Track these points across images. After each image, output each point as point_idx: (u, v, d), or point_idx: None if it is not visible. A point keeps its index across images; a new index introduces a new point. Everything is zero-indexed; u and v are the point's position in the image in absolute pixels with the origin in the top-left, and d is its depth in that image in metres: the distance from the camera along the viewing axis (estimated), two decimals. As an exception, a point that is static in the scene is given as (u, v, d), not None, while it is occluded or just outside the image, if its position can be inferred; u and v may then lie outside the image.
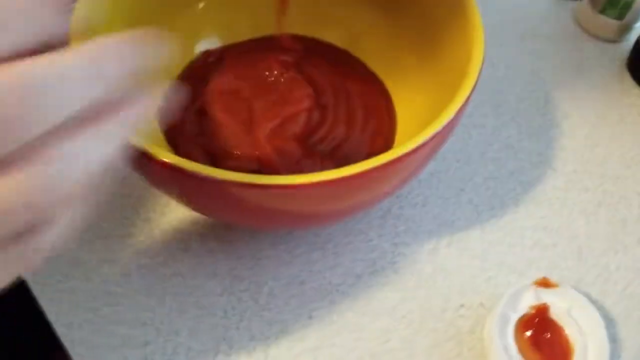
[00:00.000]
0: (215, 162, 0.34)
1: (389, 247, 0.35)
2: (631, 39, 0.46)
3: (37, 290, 0.32)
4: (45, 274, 0.33)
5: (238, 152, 0.34)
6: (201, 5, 0.38)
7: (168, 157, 0.25)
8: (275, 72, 0.37)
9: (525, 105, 0.43)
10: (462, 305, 0.33)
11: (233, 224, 0.35)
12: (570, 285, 0.33)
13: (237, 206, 0.27)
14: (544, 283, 0.33)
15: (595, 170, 0.40)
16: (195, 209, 0.32)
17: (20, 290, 0.33)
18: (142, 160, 0.26)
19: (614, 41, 0.47)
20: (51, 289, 0.32)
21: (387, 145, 0.36)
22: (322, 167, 0.33)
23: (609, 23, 0.46)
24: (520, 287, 0.32)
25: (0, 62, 0.14)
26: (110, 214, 0.35)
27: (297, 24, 0.40)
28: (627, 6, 0.44)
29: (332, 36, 0.40)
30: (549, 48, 0.47)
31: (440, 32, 0.35)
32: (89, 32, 0.30)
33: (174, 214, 0.36)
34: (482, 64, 0.30)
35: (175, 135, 0.35)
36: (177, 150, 0.35)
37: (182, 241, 0.35)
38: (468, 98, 0.28)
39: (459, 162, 0.40)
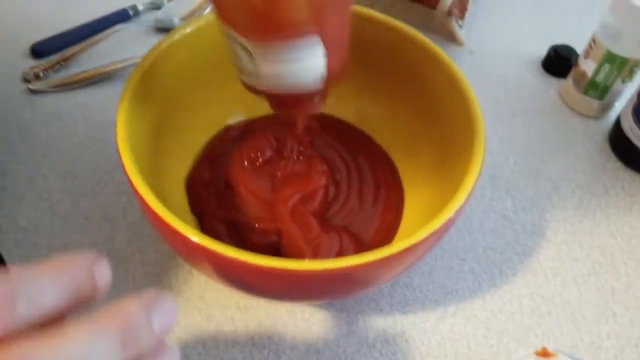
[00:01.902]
0: (239, 235, 0.36)
1: (399, 316, 0.38)
2: (612, 116, 0.51)
3: None
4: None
5: (261, 226, 0.36)
6: (221, 85, 0.41)
7: (197, 236, 0.27)
8: (294, 148, 0.39)
9: (518, 178, 0.47)
10: (468, 372, 0.36)
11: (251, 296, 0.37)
12: (566, 354, 0.36)
13: (257, 283, 0.29)
14: (544, 353, 0.36)
15: (584, 240, 0.43)
16: (218, 281, 0.34)
17: None
18: (172, 237, 0.28)
19: (596, 118, 0.51)
20: None
21: (397, 217, 0.39)
22: (340, 241, 0.36)
23: (591, 102, 0.50)
24: (522, 356, 0.35)
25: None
26: (133, 283, 0.37)
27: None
28: (606, 89, 0.48)
29: (343, 113, 0.44)
30: (538, 123, 0.51)
31: (444, 113, 0.38)
32: (133, 116, 0.32)
33: (196, 282, 0.38)
34: (481, 162, 0.33)
35: (201, 208, 0.38)
36: (202, 223, 0.37)
37: (204, 310, 0.37)
38: (470, 193, 0.31)
39: (461, 232, 0.43)
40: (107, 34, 0.50)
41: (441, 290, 0.39)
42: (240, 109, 0.42)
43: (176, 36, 0.36)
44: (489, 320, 0.38)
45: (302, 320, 0.37)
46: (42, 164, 0.43)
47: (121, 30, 0.51)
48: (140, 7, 0.54)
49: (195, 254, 0.29)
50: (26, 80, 0.47)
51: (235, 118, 0.42)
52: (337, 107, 0.43)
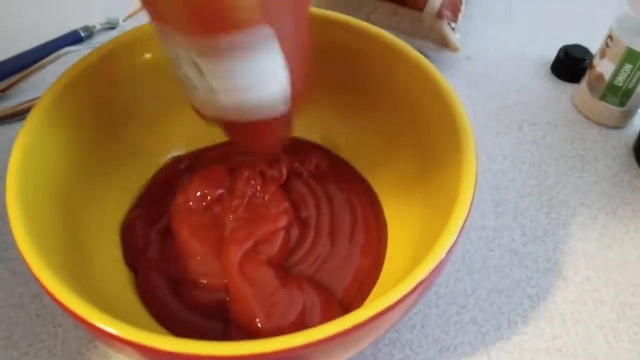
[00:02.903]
0: (178, 291, 0.30)
1: (382, 384, 0.31)
2: (636, 124, 0.43)
3: None
4: None
5: (204, 281, 0.30)
6: (165, 110, 0.35)
7: (111, 325, 0.20)
8: (249, 183, 0.33)
9: (527, 203, 0.39)
10: None
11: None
12: None
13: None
14: None
15: (611, 278, 0.36)
16: None
17: None
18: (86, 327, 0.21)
19: (617, 127, 0.44)
20: None
21: (377, 261, 0.32)
22: (303, 297, 0.29)
23: (610, 109, 0.43)
24: None
25: None
26: (62, 350, 0.31)
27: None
28: (629, 93, 0.41)
29: (310, 134, 0.37)
30: (550, 136, 0.43)
31: (430, 135, 0.31)
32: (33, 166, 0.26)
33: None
34: (476, 179, 0.26)
35: (136, 256, 0.32)
36: (136, 274, 0.31)
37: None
38: (458, 236, 0.24)
39: (459, 272, 0.35)
40: (53, 59, 0.44)
41: (436, 347, 0.32)
42: (185, 140, 0.36)
43: (87, 60, 0.30)
44: (495, 384, 0.31)
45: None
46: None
47: (71, 53, 0.45)
48: (96, 28, 0.49)
49: (107, 343, 0.22)
50: (-39, 115, 0.42)
51: (179, 151, 0.36)
52: (302, 128, 0.36)
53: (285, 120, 0.26)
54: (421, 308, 0.34)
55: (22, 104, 0.42)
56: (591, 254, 0.37)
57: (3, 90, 0.43)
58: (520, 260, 0.36)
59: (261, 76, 0.23)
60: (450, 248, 0.24)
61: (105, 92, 0.31)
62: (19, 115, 0.42)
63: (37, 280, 0.22)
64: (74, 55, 0.46)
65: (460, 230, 0.25)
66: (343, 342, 0.22)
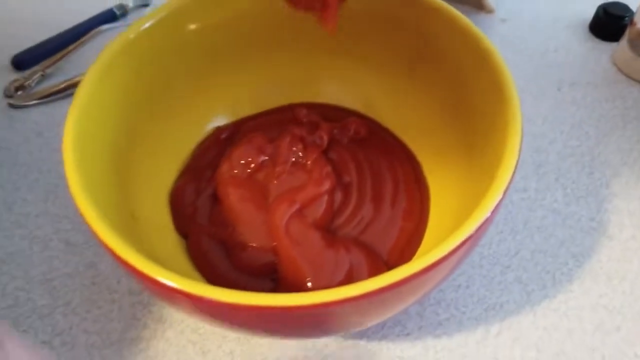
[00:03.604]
0: (228, 254, 0.31)
1: (430, 341, 0.31)
2: (680, 81, 0.42)
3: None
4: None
5: (253, 244, 0.30)
6: (208, 81, 0.35)
7: (169, 278, 0.21)
8: (292, 149, 0.33)
9: (569, 164, 0.39)
10: (520, 409, 0.29)
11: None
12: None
13: (251, 325, 0.23)
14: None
15: (658, 235, 0.35)
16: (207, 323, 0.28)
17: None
18: (142, 280, 0.22)
19: (660, 85, 0.43)
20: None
21: (420, 225, 0.32)
22: (349, 257, 0.30)
23: (653, 66, 0.42)
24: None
25: None
26: (119, 315, 0.32)
27: (309, 93, 0.37)
28: (673, 48, 0.40)
29: (353, 102, 0.37)
30: (589, 96, 0.43)
31: (473, 98, 0.31)
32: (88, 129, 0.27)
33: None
34: (519, 154, 0.26)
35: (185, 222, 0.32)
36: (187, 239, 0.32)
37: (199, 343, 0.31)
38: (504, 195, 0.24)
39: (502, 234, 0.36)
40: (90, 37, 0.45)
41: (481, 306, 0.33)
42: (227, 110, 0.37)
43: (130, 32, 0.31)
44: (541, 340, 0.31)
45: (314, 351, 0.31)
46: (21, 186, 0.38)
47: (107, 30, 0.46)
48: (130, 5, 0.49)
49: (163, 296, 0.23)
50: (7, 96, 0.43)
51: (221, 121, 0.37)
52: (343, 96, 0.37)
53: None
54: (465, 269, 0.34)
55: (65, 82, 0.43)
56: (636, 212, 0.36)
57: (46, 69, 0.44)
58: (564, 220, 0.36)
59: None
60: (495, 206, 0.24)
61: (151, 61, 0.32)
62: (61, 93, 0.43)
63: (101, 241, 0.23)
64: (110, 32, 0.47)
65: (506, 189, 0.25)
66: (390, 297, 0.22)
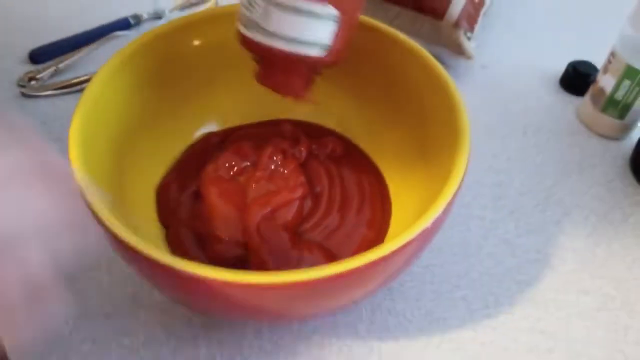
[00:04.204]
0: (203, 245, 0.34)
1: (377, 343, 0.34)
2: (633, 137, 0.46)
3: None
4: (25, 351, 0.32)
5: (226, 237, 0.34)
6: (205, 91, 0.39)
7: (143, 246, 0.25)
8: (273, 159, 0.37)
9: (525, 200, 0.43)
10: (449, 412, 0.32)
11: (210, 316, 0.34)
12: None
13: (214, 302, 0.27)
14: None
15: (596, 272, 0.39)
16: (173, 301, 0.31)
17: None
18: (118, 247, 0.26)
19: (616, 139, 0.47)
20: (28, 368, 0.32)
21: (380, 235, 0.36)
22: (312, 257, 0.33)
23: (610, 122, 0.46)
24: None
25: None
26: (95, 292, 0.35)
27: (297, 110, 0.41)
28: (627, 107, 0.44)
29: (326, 120, 0.41)
30: (552, 143, 0.47)
31: (433, 127, 0.35)
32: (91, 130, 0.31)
33: (160, 295, 0.35)
34: (467, 164, 0.30)
35: (168, 215, 0.36)
36: (167, 230, 0.35)
37: (166, 323, 0.34)
38: (452, 199, 0.28)
39: (456, 256, 0.39)
40: (104, 41, 0.49)
41: (427, 318, 0.36)
42: (218, 118, 0.40)
43: (141, 40, 0.35)
44: (478, 354, 0.34)
45: (270, 342, 0.34)
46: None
47: (120, 37, 0.50)
48: (143, 16, 0.53)
49: (138, 264, 0.27)
50: (21, 86, 0.47)
51: (212, 128, 0.40)
52: (319, 114, 0.41)
53: (314, 68, 0.31)
54: (416, 283, 0.37)
55: (75, 78, 0.47)
56: (579, 250, 0.40)
57: (59, 65, 0.48)
58: (513, 250, 0.40)
59: (314, 23, 0.29)
60: (433, 223, 0.27)
61: (158, 66, 0.36)
62: (71, 87, 0.47)
63: (99, 220, 0.27)
64: (122, 39, 0.51)
65: (452, 198, 0.28)
66: (333, 285, 0.26)
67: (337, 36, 0.29)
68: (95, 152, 0.31)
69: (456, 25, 0.48)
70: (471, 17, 0.49)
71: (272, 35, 0.29)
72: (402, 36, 0.36)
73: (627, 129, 0.46)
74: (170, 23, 0.36)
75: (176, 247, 0.34)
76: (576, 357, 0.35)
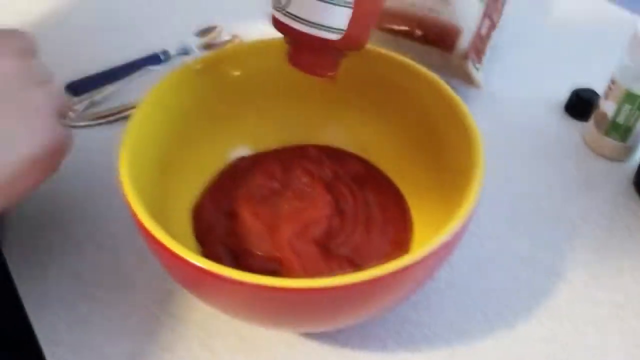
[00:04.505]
0: (237, 261, 0.36)
1: (404, 355, 0.36)
2: (636, 159, 0.49)
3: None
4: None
5: (261, 253, 0.36)
6: (237, 118, 0.42)
7: (190, 256, 0.27)
8: (301, 180, 0.40)
9: (538, 219, 0.45)
10: (475, 417, 0.34)
11: (249, 322, 0.36)
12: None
13: (253, 306, 0.29)
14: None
15: (606, 284, 0.41)
16: (213, 306, 0.34)
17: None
18: (167, 257, 0.28)
19: (620, 160, 0.49)
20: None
21: (403, 253, 0.38)
22: (340, 272, 0.35)
23: (614, 144, 0.49)
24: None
25: None
26: (136, 310, 0.37)
27: (320, 135, 0.44)
28: (629, 130, 0.47)
29: (354, 147, 0.44)
30: (561, 166, 0.49)
31: (449, 151, 0.38)
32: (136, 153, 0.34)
33: (198, 310, 0.38)
34: (481, 184, 0.32)
35: (204, 234, 0.38)
36: (204, 248, 0.38)
37: (204, 338, 0.36)
38: (470, 214, 0.31)
39: (474, 272, 0.41)
40: (137, 75, 0.53)
41: (451, 330, 0.38)
42: (248, 143, 0.43)
43: (179, 73, 0.38)
44: (500, 362, 0.36)
45: (304, 354, 0.36)
46: (61, 192, 0.45)
47: (152, 71, 0.54)
48: (171, 52, 0.57)
49: (189, 273, 0.29)
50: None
51: (243, 152, 0.43)
52: (347, 141, 0.44)
53: (334, 50, 0.34)
54: (439, 297, 0.39)
55: (112, 109, 0.51)
56: (590, 264, 0.42)
57: (95, 97, 0.51)
58: (527, 266, 0.42)
59: (328, 15, 0.31)
60: (453, 237, 0.30)
61: (196, 96, 0.39)
62: (108, 117, 0.50)
63: (136, 220, 0.29)
64: (154, 74, 0.55)
65: (469, 215, 0.31)
66: (366, 292, 0.28)
67: (353, 21, 0.32)
68: (140, 174, 0.34)
69: (465, 57, 0.51)
70: (479, 49, 0.52)
71: (294, 17, 0.32)
72: (423, 68, 0.39)
73: (630, 151, 0.49)
74: (211, 55, 0.39)
75: (212, 262, 0.36)
76: (592, 365, 0.36)
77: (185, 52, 0.58)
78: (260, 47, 0.41)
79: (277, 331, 0.37)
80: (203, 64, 0.39)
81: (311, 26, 0.32)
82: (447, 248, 0.30)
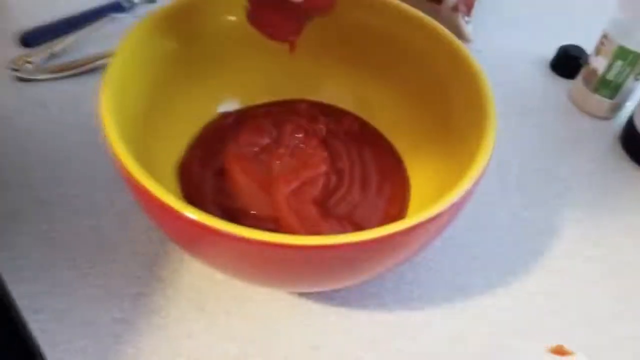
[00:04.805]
0: (233, 221, 0.34)
1: (404, 312, 0.35)
2: (622, 117, 0.49)
3: (47, 350, 0.31)
4: (56, 333, 0.32)
5: (255, 212, 0.34)
6: (220, 70, 0.39)
7: (189, 210, 0.25)
8: (294, 135, 0.37)
9: (528, 176, 0.45)
10: (478, 374, 0.33)
11: (250, 282, 0.34)
12: (584, 354, 0.33)
13: (254, 264, 0.27)
14: (559, 351, 0.33)
15: (598, 240, 0.41)
16: (212, 265, 0.31)
17: (30, 349, 0.31)
18: (161, 213, 0.26)
19: (606, 118, 0.49)
20: (61, 348, 0.31)
21: (402, 211, 0.37)
22: (341, 229, 0.34)
23: (601, 102, 0.48)
24: (535, 354, 0.32)
25: None
26: (122, 273, 0.35)
27: (312, 90, 0.41)
28: (618, 87, 0.47)
29: (344, 101, 0.42)
30: (548, 124, 0.49)
31: (454, 104, 0.36)
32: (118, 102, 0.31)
33: (187, 272, 0.35)
34: (494, 142, 0.31)
35: (193, 194, 0.36)
36: (193, 207, 0.35)
37: (197, 300, 0.34)
38: (481, 174, 0.29)
39: (469, 230, 0.40)
40: (100, 24, 0.48)
41: (449, 287, 0.37)
42: (236, 96, 0.40)
43: (161, 13, 0.34)
44: (500, 318, 0.36)
45: (301, 314, 0.34)
46: (28, 152, 0.41)
47: (115, 20, 0.49)
48: (136, 0, 0.53)
49: (186, 230, 0.27)
50: (14, 69, 0.45)
51: (230, 106, 0.40)
52: (337, 95, 0.41)
53: (298, 13, 0.31)
54: (437, 255, 0.38)
55: (76, 61, 0.46)
56: (582, 220, 0.42)
57: (54, 49, 0.47)
58: (522, 222, 0.41)
59: None
60: (466, 193, 0.28)
61: (179, 42, 0.36)
62: (68, 71, 0.46)
63: (125, 172, 0.26)
64: (119, 22, 0.50)
65: (475, 183, 0.29)
66: (375, 250, 0.26)
67: None
68: (124, 128, 0.31)
69: (455, 9, 0.49)
70: (469, 1, 0.51)
71: None
72: (424, 16, 0.37)
73: (617, 108, 0.49)
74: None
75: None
76: (587, 318, 0.36)
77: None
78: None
79: (274, 290, 0.35)
80: (189, 4, 0.35)
81: None
82: (455, 209, 0.29)
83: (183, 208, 0.25)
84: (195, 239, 0.27)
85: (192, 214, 0.25)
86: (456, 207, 0.28)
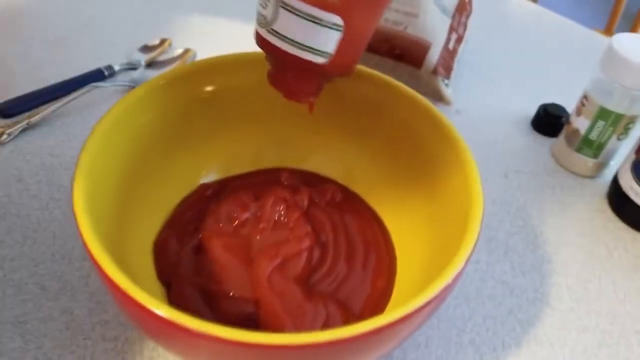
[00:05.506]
0: (211, 304, 0.32)
1: (393, 396, 0.33)
2: (607, 174, 0.49)
3: None
4: None
5: (235, 294, 0.32)
6: (203, 144, 0.38)
7: (157, 306, 0.23)
8: (275, 209, 0.36)
9: (515, 241, 0.44)
10: None
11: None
12: None
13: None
14: None
15: (591, 309, 0.40)
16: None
17: None
18: (134, 311, 0.24)
19: (592, 177, 0.49)
20: None
21: (389, 283, 0.35)
22: (326, 310, 0.32)
23: (585, 161, 0.48)
24: None
25: None
26: (92, 358, 0.33)
27: (294, 159, 0.40)
28: (601, 146, 0.47)
29: (329, 171, 0.41)
30: (532, 183, 0.48)
31: (438, 173, 0.36)
32: (94, 174, 0.29)
33: (161, 359, 0.33)
34: (480, 223, 0.30)
35: (169, 271, 0.34)
36: (169, 288, 0.33)
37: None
38: (468, 259, 0.28)
39: (457, 300, 0.39)
40: (81, 93, 0.48)
41: (440, 365, 0.35)
42: (216, 168, 0.39)
43: (141, 92, 0.34)
44: (494, 399, 0.34)
45: (284, 403, 0.32)
46: (-1, 228, 0.39)
47: (96, 88, 0.49)
48: (116, 68, 0.52)
49: (158, 327, 0.25)
50: (-10, 140, 0.44)
51: (209, 177, 0.39)
52: (323, 164, 0.41)
53: (320, 75, 0.31)
54: (425, 330, 0.37)
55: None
56: (573, 287, 0.41)
57: (32, 119, 0.46)
58: (511, 291, 0.40)
59: (318, 31, 0.29)
60: (457, 274, 0.27)
61: (158, 116, 0.35)
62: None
63: (95, 264, 0.25)
64: (99, 91, 0.50)
65: (468, 259, 0.28)
66: (358, 346, 0.25)
67: (342, 47, 0.29)
68: (96, 205, 0.29)
69: (434, 72, 0.50)
70: (447, 64, 0.51)
71: (279, 36, 0.29)
72: (408, 89, 0.37)
73: (601, 167, 0.48)
74: (175, 70, 0.35)
75: (180, 306, 0.32)
76: (585, 395, 0.35)
77: (132, 66, 0.53)
78: (232, 62, 0.37)
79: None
80: (168, 79, 0.35)
81: (297, 47, 0.29)
82: (444, 293, 0.27)
83: (151, 304, 0.24)
84: (166, 336, 0.26)
85: (161, 310, 0.23)
86: (437, 300, 0.27)
